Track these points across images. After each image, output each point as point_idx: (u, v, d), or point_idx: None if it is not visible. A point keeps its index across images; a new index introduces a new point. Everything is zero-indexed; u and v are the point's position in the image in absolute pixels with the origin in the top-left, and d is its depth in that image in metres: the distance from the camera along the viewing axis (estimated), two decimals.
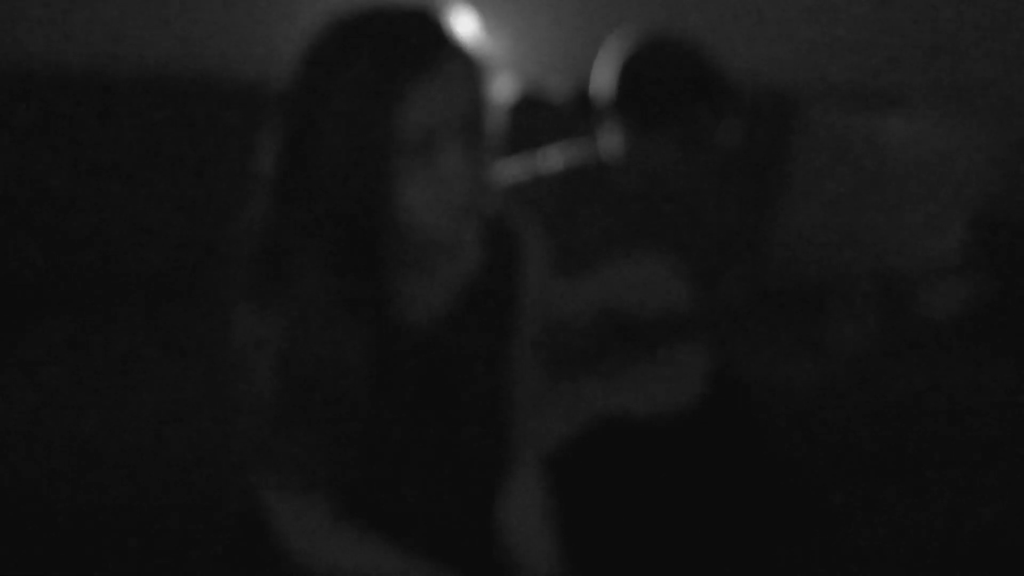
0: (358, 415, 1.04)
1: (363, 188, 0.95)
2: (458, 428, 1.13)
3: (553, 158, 1.71)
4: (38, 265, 2.10)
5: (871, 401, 2.03)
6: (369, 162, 0.94)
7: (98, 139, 2.12)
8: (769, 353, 1.85)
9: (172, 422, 1.75)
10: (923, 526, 1.94)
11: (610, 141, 1.67)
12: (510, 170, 1.66)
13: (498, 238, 1.15)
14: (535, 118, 2.23)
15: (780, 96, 2.38)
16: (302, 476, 1.04)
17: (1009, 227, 2.43)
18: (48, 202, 2.09)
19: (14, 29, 2.18)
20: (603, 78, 1.65)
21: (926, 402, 2.05)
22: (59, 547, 1.68)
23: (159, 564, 1.69)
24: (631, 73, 1.60)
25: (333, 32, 0.96)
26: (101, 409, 1.76)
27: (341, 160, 0.94)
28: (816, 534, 1.86)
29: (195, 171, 2.15)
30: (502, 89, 1.01)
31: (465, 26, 0.98)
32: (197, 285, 1.96)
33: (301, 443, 1.03)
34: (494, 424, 1.17)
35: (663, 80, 1.57)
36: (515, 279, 1.17)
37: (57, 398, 1.79)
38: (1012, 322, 2.16)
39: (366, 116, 0.92)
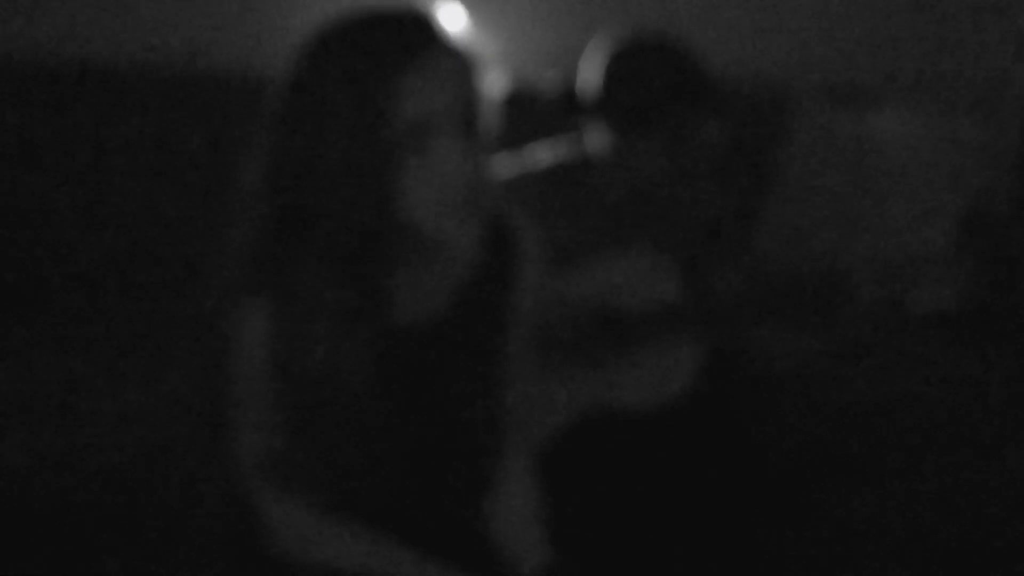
0: (355, 412, 1.04)
1: (359, 183, 0.97)
2: (452, 423, 1.13)
3: (540, 155, 1.72)
4: (36, 261, 2.10)
5: (862, 394, 2.04)
6: (363, 156, 0.96)
7: (95, 133, 2.12)
8: (761, 345, 1.86)
9: (167, 420, 1.75)
10: (917, 523, 1.95)
11: (596, 139, 1.68)
12: (498, 166, 1.66)
13: (495, 235, 1.16)
14: (523, 114, 2.23)
15: (771, 93, 2.39)
16: (296, 472, 1.05)
17: (997, 220, 2.45)
18: (46, 198, 2.09)
19: (15, 24, 2.17)
20: (589, 76, 1.66)
21: (916, 395, 2.06)
22: (55, 545, 1.68)
23: (153, 561, 1.69)
24: (616, 73, 1.60)
25: (326, 33, 0.99)
26: (97, 408, 1.76)
27: (336, 155, 0.96)
28: (804, 528, 1.87)
29: (191, 166, 2.15)
30: (494, 85, 1.03)
31: (453, 22, 1.00)
32: (194, 281, 1.96)
33: (297, 439, 1.03)
34: (488, 419, 1.17)
35: (647, 81, 1.58)
36: (512, 276, 1.18)
37: (54, 395, 1.79)
38: (1001, 314, 2.18)
39: (358, 111, 0.95)
